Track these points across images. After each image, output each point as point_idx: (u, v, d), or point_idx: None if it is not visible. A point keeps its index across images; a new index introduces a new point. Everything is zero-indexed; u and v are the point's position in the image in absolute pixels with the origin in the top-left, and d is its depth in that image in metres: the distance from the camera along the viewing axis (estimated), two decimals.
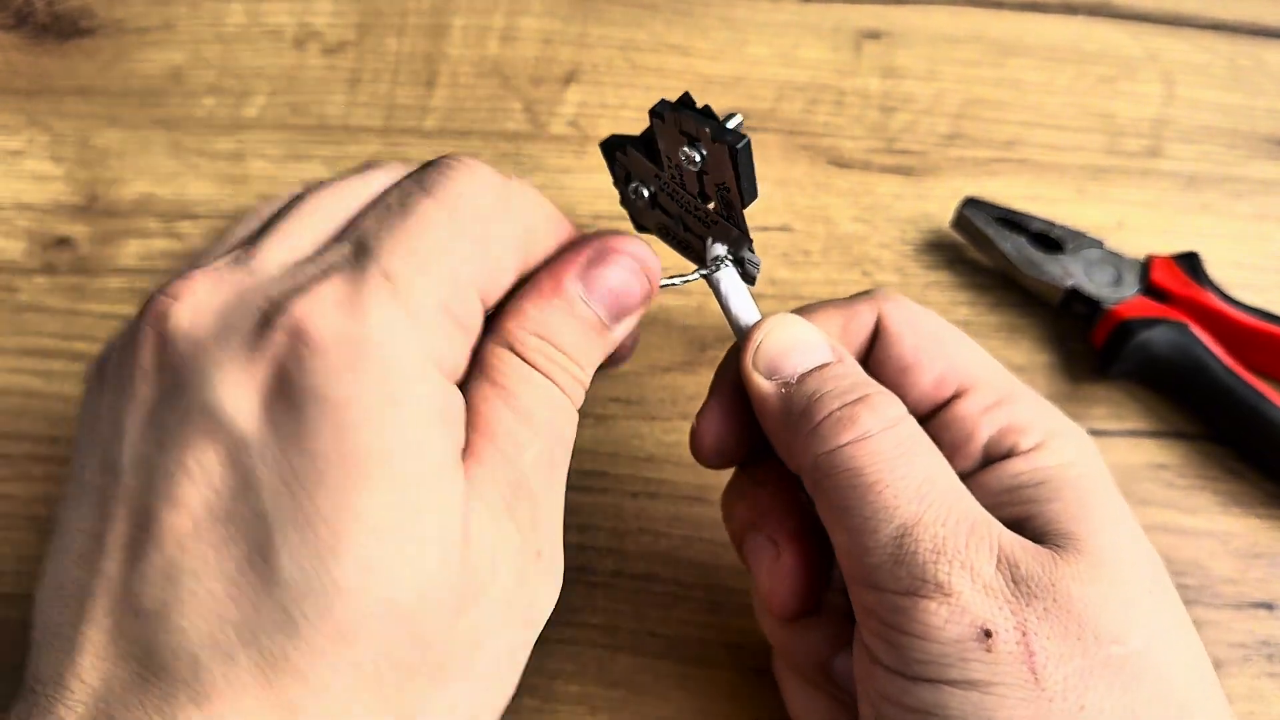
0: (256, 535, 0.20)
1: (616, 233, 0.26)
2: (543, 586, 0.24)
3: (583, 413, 0.25)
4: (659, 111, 0.25)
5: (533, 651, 0.33)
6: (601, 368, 0.26)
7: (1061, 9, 0.48)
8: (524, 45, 0.46)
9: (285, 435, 0.20)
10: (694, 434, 0.27)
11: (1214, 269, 0.39)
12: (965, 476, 0.26)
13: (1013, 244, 0.39)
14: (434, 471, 0.21)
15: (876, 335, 0.28)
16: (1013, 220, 0.40)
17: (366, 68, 0.46)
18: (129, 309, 0.40)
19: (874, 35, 0.47)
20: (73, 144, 0.44)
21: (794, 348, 0.25)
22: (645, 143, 0.27)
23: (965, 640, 0.22)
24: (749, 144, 0.24)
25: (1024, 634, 0.22)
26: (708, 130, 0.24)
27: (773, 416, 0.25)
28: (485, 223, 0.24)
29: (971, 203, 0.40)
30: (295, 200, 0.25)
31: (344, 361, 0.21)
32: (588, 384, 0.25)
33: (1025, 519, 0.25)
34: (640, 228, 0.30)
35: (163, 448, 0.21)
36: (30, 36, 0.46)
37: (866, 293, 0.29)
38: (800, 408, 0.24)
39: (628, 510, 0.36)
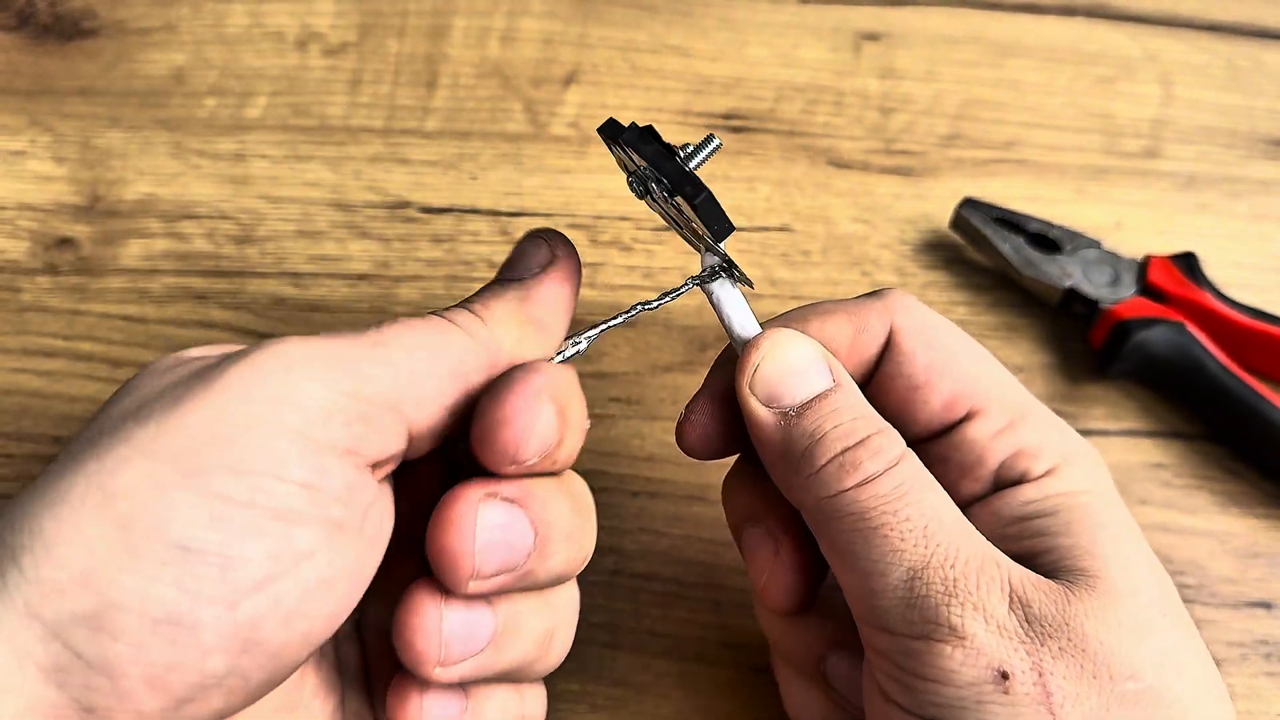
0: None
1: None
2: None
3: None
4: (611, 135, 0.24)
5: None
6: None
7: (1060, 10, 0.48)
8: (524, 46, 0.47)
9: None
10: (679, 428, 0.27)
11: (1212, 269, 0.39)
12: (975, 501, 0.26)
13: (1011, 244, 0.39)
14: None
15: (887, 347, 0.27)
16: (1011, 220, 0.40)
17: (368, 69, 0.46)
18: (131, 309, 0.40)
19: (873, 36, 0.47)
20: (75, 144, 0.44)
21: (792, 373, 0.25)
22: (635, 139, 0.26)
23: (982, 683, 0.22)
24: (709, 196, 0.23)
25: (1040, 674, 0.22)
26: (665, 181, 0.24)
27: (771, 449, 0.25)
28: None
29: (970, 203, 0.40)
30: None
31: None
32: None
33: (1037, 553, 0.24)
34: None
35: None
36: (32, 37, 0.47)
37: (877, 293, 0.27)
38: (801, 448, 0.24)
39: (628, 510, 0.36)
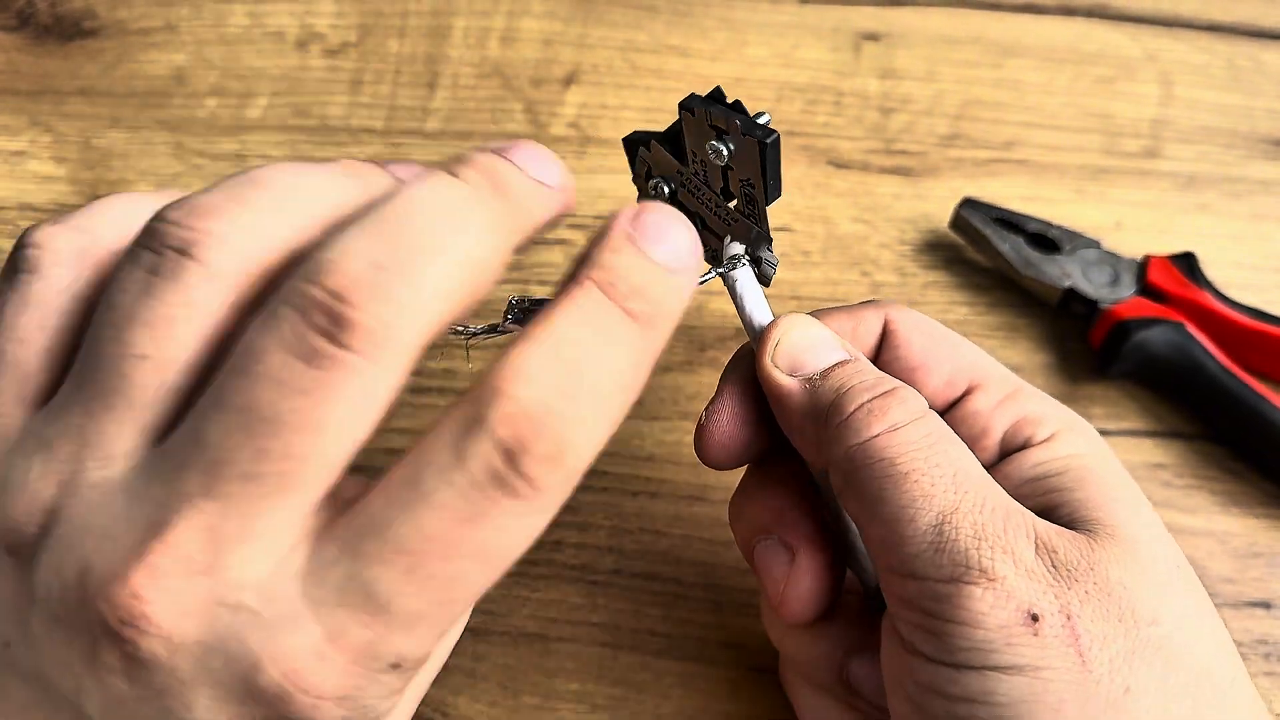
0: None
1: None
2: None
3: None
4: (689, 105, 0.25)
5: (533, 649, 0.34)
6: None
7: (1060, 10, 0.48)
8: (524, 47, 0.47)
9: None
10: (701, 431, 0.27)
11: (1211, 269, 0.39)
12: (985, 468, 0.27)
13: (1011, 244, 0.39)
14: None
15: (884, 339, 0.28)
16: (1010, 221, 0.40)
17: (368, 69, 0.46)
18: None
19: (873, 36, 0.47)
20: (75, 145, 0.44)
21: (814, 345, 0.26)
22: (670, 138, 0.27)
23: (1012, 625, 0.22)
24: (778, 139, 0.24)
25: (1069, 617, 0.22)
26: (738, 124, 0.24)
27: (797, 411, 0.25)
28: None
29: (969, 203, 0.40)
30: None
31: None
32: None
33: (1052, 508, 0.25)
34: None
35: None
36: (33, 37, 0.47)
37: (871, 302, 0.29)
38: (827, 401, 0.24)
39: (628, 510, 0.36)
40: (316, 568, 0.19)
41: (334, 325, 0.18)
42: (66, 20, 0.47)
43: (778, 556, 0.27)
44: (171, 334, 0.19)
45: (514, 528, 0.19)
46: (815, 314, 0.28)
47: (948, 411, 0.28)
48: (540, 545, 0.24)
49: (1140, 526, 0.24)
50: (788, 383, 0.25)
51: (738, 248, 0.27)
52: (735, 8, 0.48)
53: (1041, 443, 0.26)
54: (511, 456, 0.18)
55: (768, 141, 0.24)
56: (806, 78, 0.46)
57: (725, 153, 0.25)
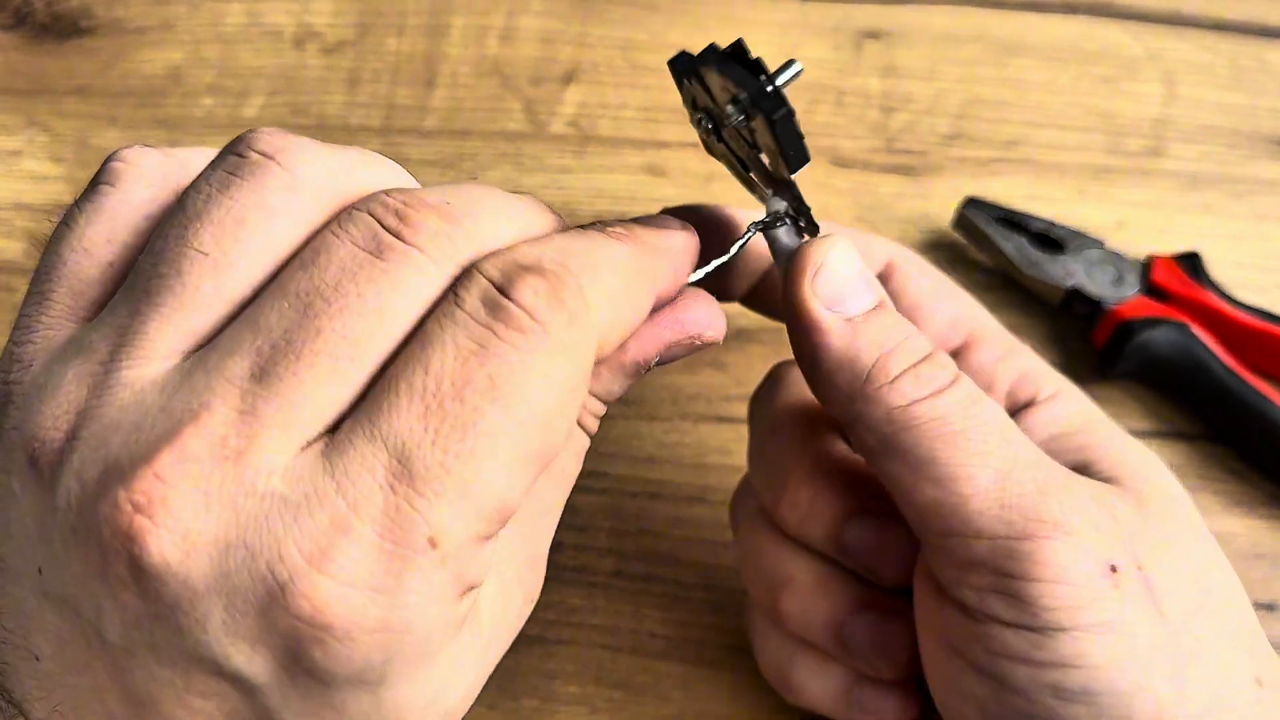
0: None
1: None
2: (534, 588, 0.23)
3: None
4: (692, 66, 0.23)
5: (533, 652, 0.33)
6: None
7: (1062, 8, 0.48)
8: (523, 45, 0.46)
9: (310, 695, 0.18)
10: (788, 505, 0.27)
11: (1215, 269, 0.39)
12: None
13: (1013, 244, 0.39)
14: (464, 681, 0.20)
15: (887, 273, 0.28)
16: (1013, 220, 0.40)
17: (366, 67, 0.46)
18: None
19: (874, 35, 0.47)
20: (72, 144, 0.43)
21: (854, 280, 0.24)
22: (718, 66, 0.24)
23: (1095, 578, 0.21)
24: (788, 114, 0.22)
25: (1140, 567, 0.22)
26: (745, 96, 0.22)
27: (836, 357, 0.23)
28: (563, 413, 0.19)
29: (972, 203, 0.40)
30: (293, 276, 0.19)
31: (376, 649, 0.18)
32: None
33: (1083, 465, 0.24)
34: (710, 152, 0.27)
35: (160, 665, 0.18)
36: (29, 36, 0.46)
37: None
38: (872, 358, 0.23)
39: (628, 510, 0.36)
40: (339, 442, 0.18)
41: (402, 223, 0.19)
42: (63, 19, 0.47)
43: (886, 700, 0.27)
44: (239, 235, 0.19)
45: (524, 365, 0.18)
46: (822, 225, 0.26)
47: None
48: None
49: (1169, 483, 0.24)
50: (829, 319, 0.23)
51: (780, 204, 0.25)
52: (736, 5, 0.48)
53: (1046, 401, 0.26)
54: (505, 286, 0.18)
55: (775, 117, 0.22)
56: (808, 76, 0.46)
57: (740, 118, 0.23)
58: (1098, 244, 0.39)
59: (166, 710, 0.18)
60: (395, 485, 0.17)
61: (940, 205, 0.42)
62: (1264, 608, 0.34)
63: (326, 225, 0.19)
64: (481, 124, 0.44)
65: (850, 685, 0.27)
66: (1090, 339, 0.38)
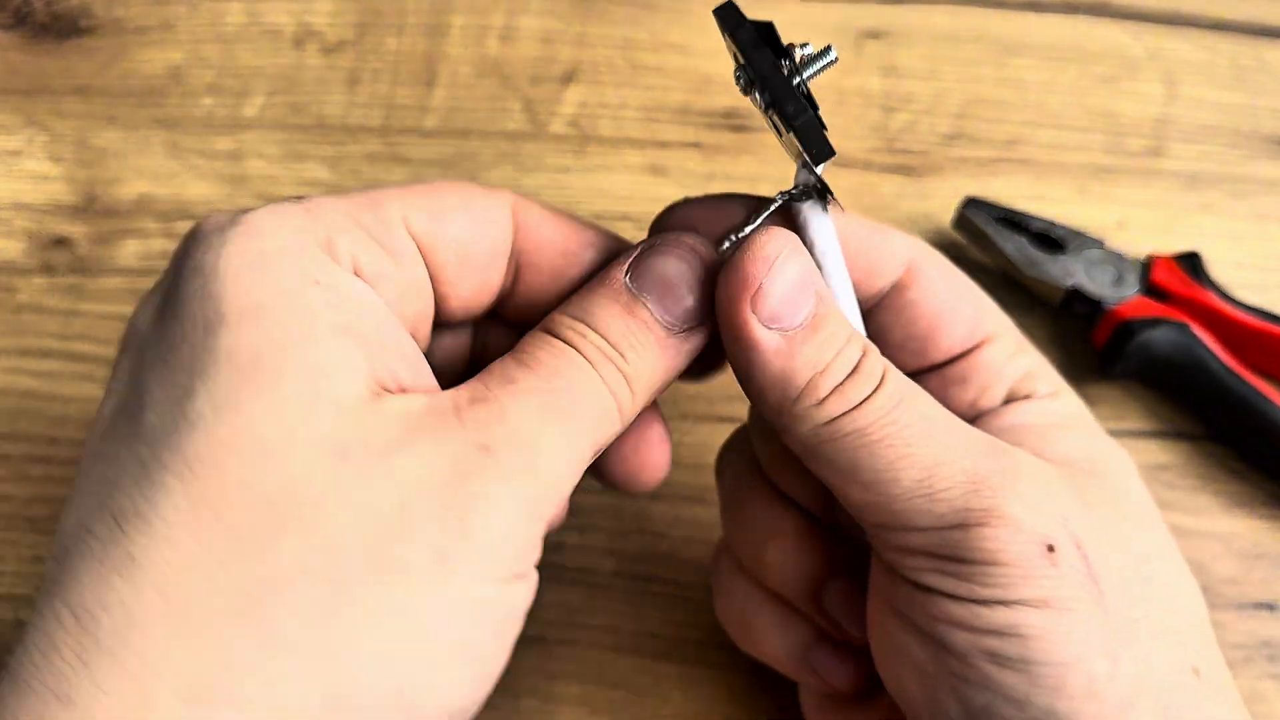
0: (131, 405, 0.20)
1: (677, 235, 0.25)
2: (496, 492, 0.21)
3: None
4: (732, 23, 0.22)
5: (533, 652, 0.33)
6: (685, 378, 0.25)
7: (1063, 8, 0.48)
8: (523, 45, 0.46)
9: (163, 314, 0.21)
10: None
11: (1215, 269, 0.39)
12: (986, 413, 0.27)
13: (1014, 244, 0.39)
14: (323, 328, 0.20)
15: (907, 278, 0.27)
16: (1013, 220, 0.40)
17: (366, 67, 0.46)
18: (128, 309, 0.39)
19: (875, 35, 0.47)
20: (71, 144, 0.43)
21: (799, 292, 0.23)
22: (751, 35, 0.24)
23: (1033, 557, 0.22)
24: (809, 122, 0.22)
25: (1078, 545, 0.22)
26: (768, 94, 0.22)
27: (770, 376, 0.23)
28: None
29: (972, 202, 0.40)
30: None
31: (217, 235, 0.21)
32: (639, 389, 0.24)
33: (1041, 450, 0.25)
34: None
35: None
36: (29, 36, 0.46)
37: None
38: (804, 380, 0.23)
39: (628, 510, 0.36)
40: None
41: None
42: (63, 18, 0.47)
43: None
44: None
45: None
46: (841, 218, 0.26)
47: (963, 357, 0.28)
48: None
49: (1127, 478, 0.25)
50: (768, 339, 0.23)
51: (806, 175, 0.24)
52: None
53: (1044, 397, 0.27)
54: None
55: (797, 124, 0.21)
56: None
57: (764, 106, 0.23)
58: (1098, 244, 0.39)
59: None
60: None
61: (940, 205, 0.42)
62: (1264, 607, 0.34)
63: None
64: (481, 124, 0.44)
65: (810, 644, 0.28)
66: (1090, 339, 0.38)
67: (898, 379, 0.24)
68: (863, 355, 0.23)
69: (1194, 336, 0.37)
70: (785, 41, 0.23)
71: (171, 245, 0.41)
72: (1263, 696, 0.33)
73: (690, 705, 0.33)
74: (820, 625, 0.28)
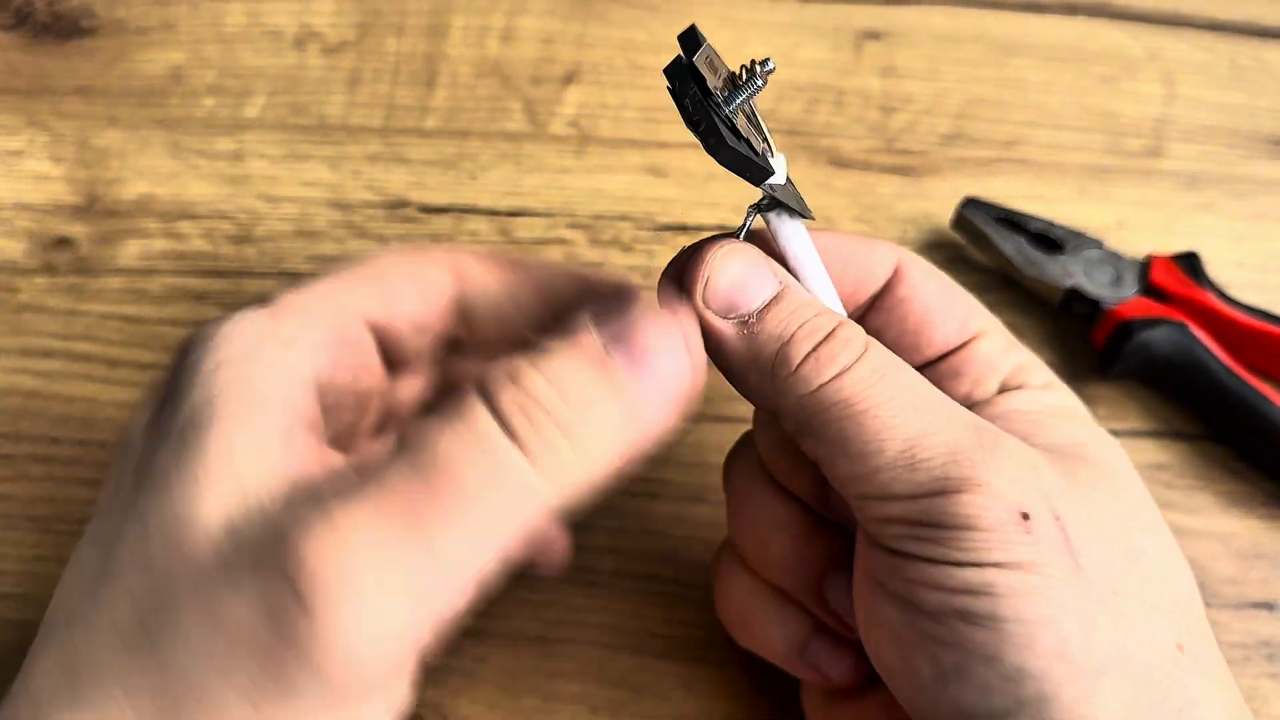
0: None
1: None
2: (315, 645, 0.20)
3: None
4: (675, 72, 0.23)
5: (533, 651, 0.33)
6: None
7: (1062, 9, 0.48)
8: (524, 45, 0.46)
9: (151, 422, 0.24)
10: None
11: (1214, 269, 0.39)
12: (979, 403, 0.27)
13: (1013, 244, 0.39)
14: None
15: (896, 277, 0.28)
16: (1013, 220, 0.40)
17: (366, 68, 0.46)
18: (129, 309, 0.40)
19: (874, 35, 0.47)
20: (72, 144, 0.43)
21: (746, 281, 0.24)
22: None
23: (1007, 524, 0.22)
24: (731, 152, 0.22)
25: (1057, 517, 0.22)
26: (693, 133, 0.22)
27: (739, 359, 0.24)
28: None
29: (971, 203, 0.40)
30: None
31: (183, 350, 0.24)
32: (583, 464, 0.23)
33: (1032, 435, 0.25)
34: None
35: None
36: (30, 36, 0.46)
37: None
38: (772, 352, 0.24)
39: (628, 510, 0.36)
40: None
41: None
42: (64, 19, 0.47)
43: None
44: None
45: None
46: (826, 234, 0.27)
47: (957, 352, 0.28)
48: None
49: (1117, 462, 0.25)
50: (723, 326, 0.24)
51: (780, 178, 0.25)
52: (736, 6, 0.48)
53: (1036, 388, 0.27)
54: None
55: (719, 157, 0.22)
56: (807, 77, 0.46)
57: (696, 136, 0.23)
58: (1097, 244, 0.39)
59: None
60: None
61: (940, 205, 0.42)
62: (1263, 607, 0.34)
63: None
64: (481, 124, 0.44)
65: (808, 638, 0.28)
66: (1090, 339, 0.38)
67: (881, 352, 0.24)
68: (838, 325, 0.24)
69: (1193, 336, 0.37)
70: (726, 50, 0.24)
71: (172, 245, 0.41)
72: (1262, 696, 0.33)
73: (690, 704, 0.33)
74: (820, 618, 0.28)
